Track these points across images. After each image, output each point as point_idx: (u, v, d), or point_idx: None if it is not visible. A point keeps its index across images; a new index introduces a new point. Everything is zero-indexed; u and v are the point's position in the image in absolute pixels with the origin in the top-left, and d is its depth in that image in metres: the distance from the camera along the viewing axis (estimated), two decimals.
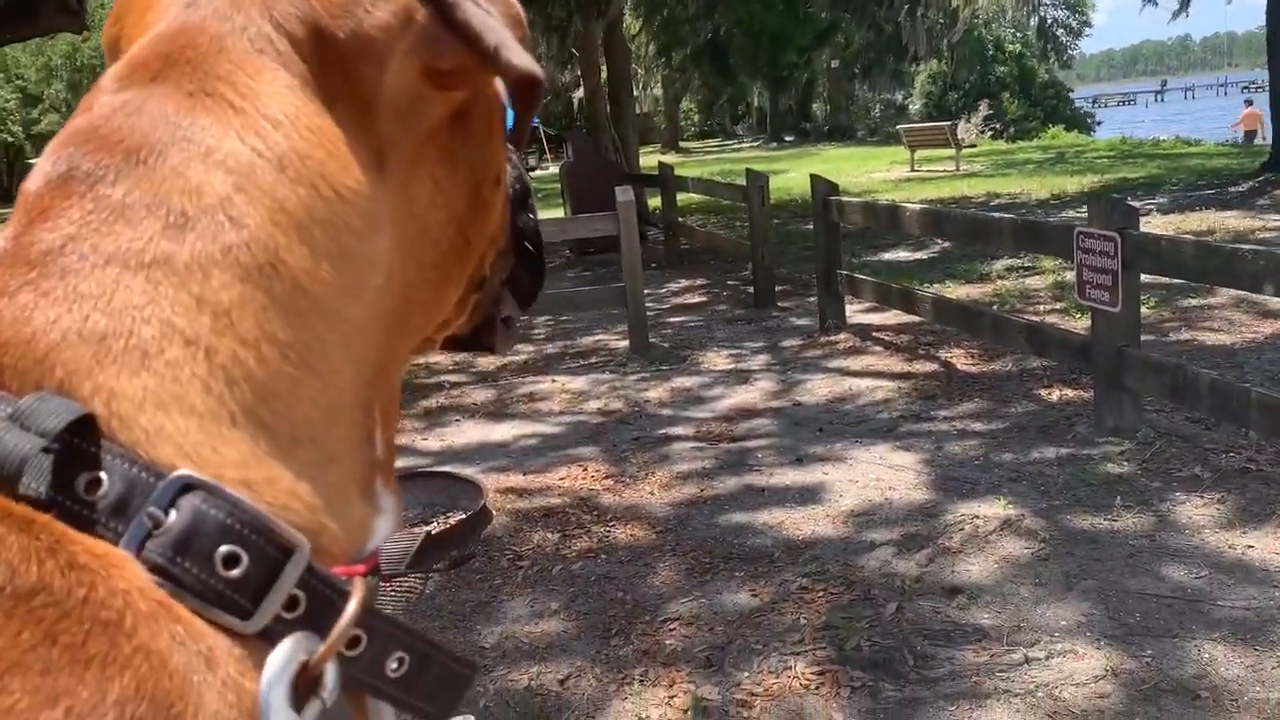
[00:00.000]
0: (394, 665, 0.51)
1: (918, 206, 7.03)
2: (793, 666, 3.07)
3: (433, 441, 5.66)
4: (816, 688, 2.96)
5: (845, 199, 7.40)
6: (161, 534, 0.44)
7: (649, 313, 7.72)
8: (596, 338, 7.91)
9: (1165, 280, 6.54)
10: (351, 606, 0.48)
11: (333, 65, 0.55)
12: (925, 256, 9.94)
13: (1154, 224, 9.88)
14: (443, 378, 7.07)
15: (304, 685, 0.46)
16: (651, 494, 4.57)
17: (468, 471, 4.81)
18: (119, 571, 0.43)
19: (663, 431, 5.46)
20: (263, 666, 0.45)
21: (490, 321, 0.73)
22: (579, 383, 6.62)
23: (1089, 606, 3.23)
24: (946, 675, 2.94)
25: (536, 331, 8.41)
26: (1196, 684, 2.78)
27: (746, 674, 3.07)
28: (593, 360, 7.21)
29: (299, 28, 0.54)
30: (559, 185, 14.51)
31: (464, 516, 4.39)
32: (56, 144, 0.53)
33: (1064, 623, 3.15)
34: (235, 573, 0.45)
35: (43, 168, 0.52)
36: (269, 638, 0.46)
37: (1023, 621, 3.17)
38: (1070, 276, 5.11)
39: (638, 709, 2.94)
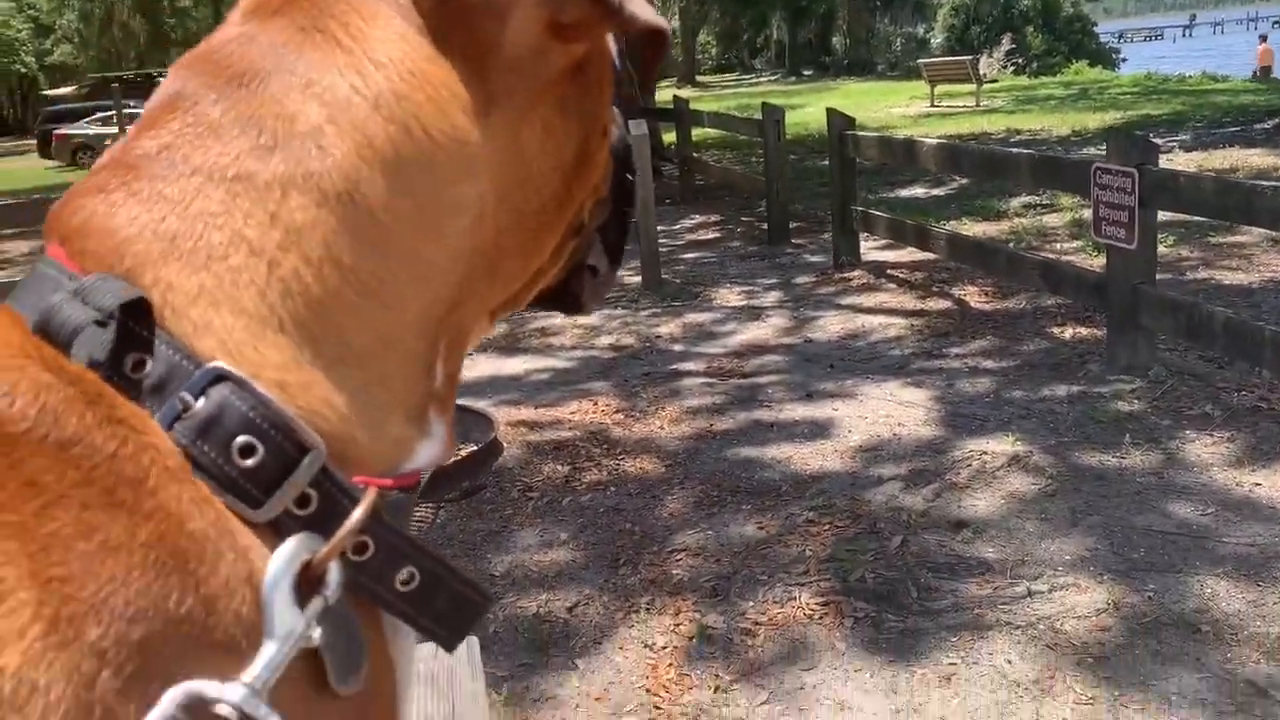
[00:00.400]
0: (403, 578, 0.52)
1: (934, 141, 6.94)
2: (797, 597, 3.11)
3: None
4: (820, 618, 3.00)
5: (862, 134, 7.31)
6: (189, 417, 0.47)
7: (662, 249, 7.69)
8: None
9: (1185, 218, 6.46)
10: (358, 512, 0.49)
11: (452, 18, 0.56)
12: (942, 193, 9.84)
13: (1176, 161, 9.73)
14: None
15: (307, 583, 0.47)
16: (661, 428, 4.60)
17: (479, 404, 4.84)
18: (149, 436, 0.46)
19: (674, 367, 5.47)
20: (267, 556, 0.47)
21: (579, 268, 0.73)
22: (591, 318, 6.61)
23: (1093, 541, 3.24)
24: (949, 607, 2.98)
25: None
26: (1197, 618, 2.81)
27: (751, 603, 3.11)
28: (606, 296, 7.19)
29: None
30: None
31: (475, 448, 4.44)
32: (176, 67, 0.57)
33: (1068, 557, 3.17)
34: (250, 462, 0.47)
35: (161, 87, 0.56)
36: (278, 531, 0.48)
37: (1027, 555, 3.20)
38: (1088, 215, 5.05)
39: (644, 636, 2.99)
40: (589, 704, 2.72)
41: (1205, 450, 3.82)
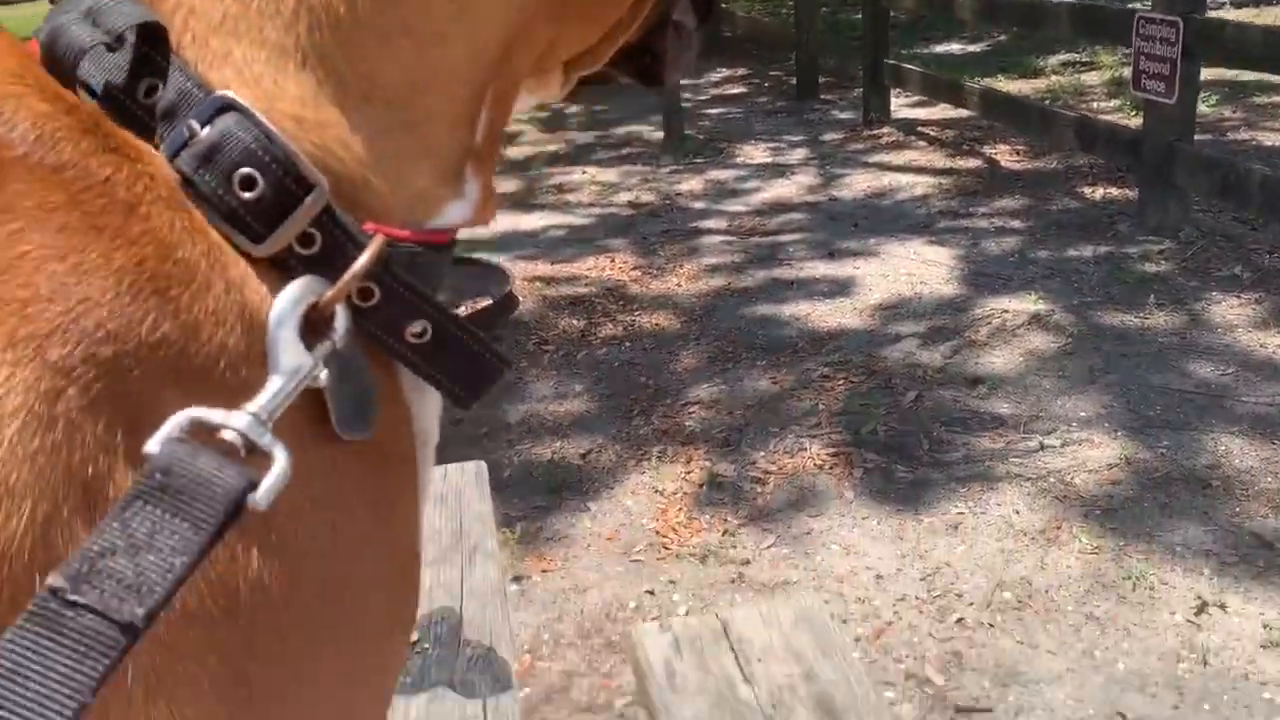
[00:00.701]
0: (416, 331, 0.51)
1: None
2: (808, 448, 3.13)
3: (462, 231, 5.64)
4: (830, 468, 3.02)
5: None
6: (194, 145, 0.45)
7: (686, 104, 7.50)
8: (630, 128, 7.72)
9: (1230, 78, 6.22)
10: (364, 257, 0.47)
11: None
12: (978, 50, 9.49)
13: (1225, 16, 9.31)
14: None
15: (314, 325, 0.46)
16: (679, 285, 4.56)
17: (496, 259, 4.82)
18: (147, 164, 0.44)
19: (694, 224, 5.39)
20: (272, 295, 0.46)
21: (664, 23, 0.67)
22: (610, 174, 6.51)
23: (1110, 399, 3.23)
24: (960, 459, 2.99)
25: (569, 121, 8.23)
26: (1209, 474, 2.80)
27: (762, 453, 3.13)
28: (625, 152, 7.06)
29: None
30: None
31: (491, 302, 4.43)
32: None
33: (1083, 414, 3.16)
34: (250, 195, 0.45)
35: None
36: (282, 269, 0.46)
37: (1041, 411, 3.19)
38: (1128, 73, 4.86)
39: (654, 482, 3.03)
40: (600, 544, 2.78)
41: (1231, 311, 3.75)
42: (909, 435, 3.14)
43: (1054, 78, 7.91)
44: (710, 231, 5.26)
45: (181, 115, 0.45)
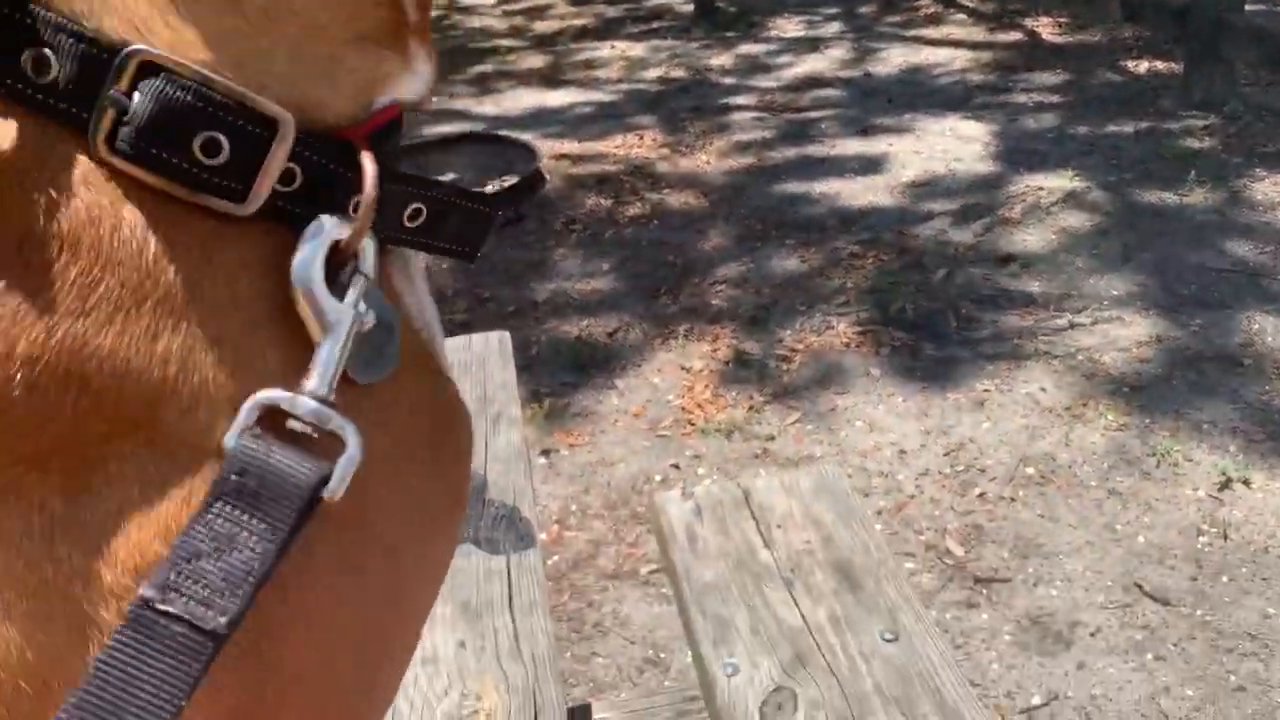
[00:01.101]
0: (410, 214, 0.48)
1: None
2: (835, 326, 3.12)
3: (487, 107, 5.56)
4: (856, 345, 3.01)
5: None
6: (130, 121, 0.39)
7: None
8: (660, 2, 7.51)
9: None
10: (368, 180, 0.43)
11: None
12: None
13: None
14: (497, 41, 6.84)
15: (336, 264, 0.43)
16: (708, 163, 4.50)
17: (521, 136, 4.75)
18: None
19: (724, 100, 5.28)
20: (272, 247, 0.42)
21: None
22: (639, 49, 6.36)
23: (1143, 278, 3.18)
24: (988, 337, 2.97)
25: None
26: (1240, 352, 2.78)
27: (789, 331, 3.13)
28: (655, 25, 6.88)
29: None
30: None
31: (517, 179, 4.40)
32: None
33: (1115, 292, 3.12)
34: (219, 159, 0.40)
35: None
36: (277, 216, 0.42)
37: (1073, 290, 3.15)
38: None
39: (681, 359, 3.04)
40: (626, 419, 2.81)
41: (1274, 189, 3.65)
42: (937, 313, 3.12)
43: None
44: (741, 108, 5.16)
45: (91, 86, 0.38)
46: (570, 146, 4.82)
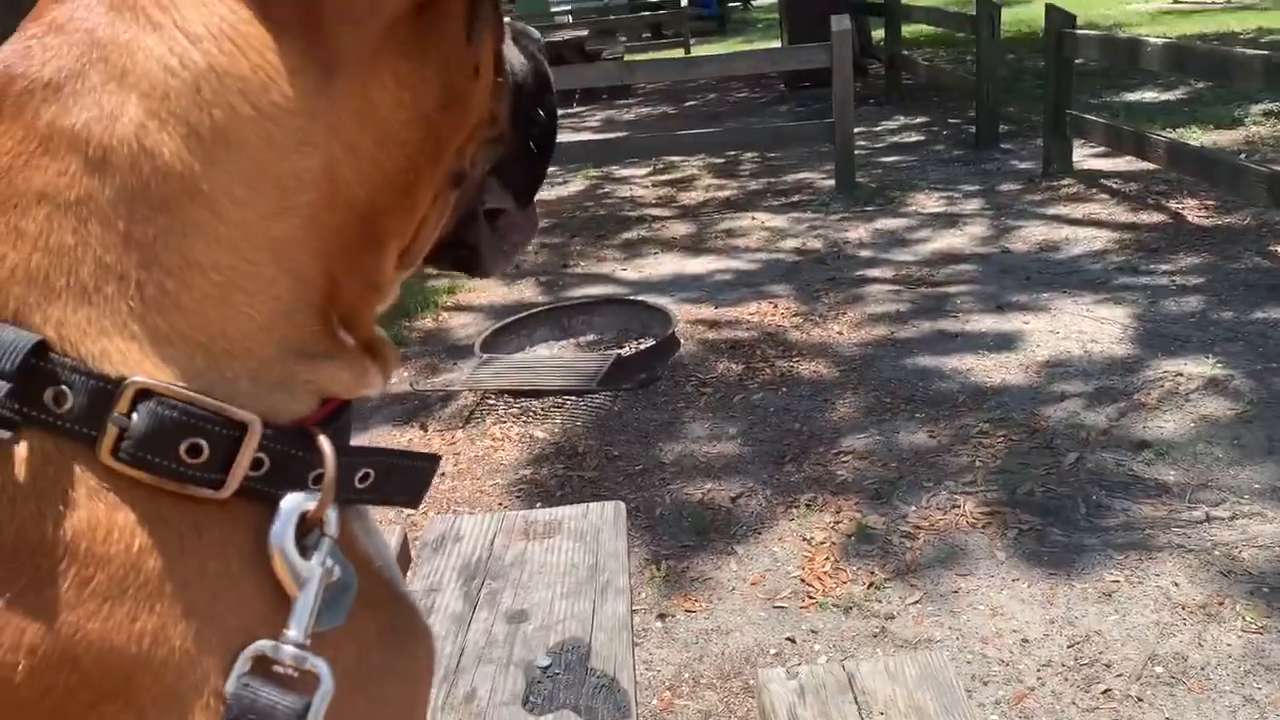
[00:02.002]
0: (360, 477, 0.60)
1: (1160, 41, 6.42)
2: (961, 505, 3.11)
3: (631, 272, 5.83)
4: (982, 527, 2.99)
5: (1083, 32, 6.84)
6: (130, 436, 0.50)
7: (860, 150, 7.51)
8: (802, 175, 7.78)
9: None
10: (329, 464, 0.56)
11: None
12: (1172, 98, 9.10)
13: None
14: (645, 210, 7.19)
15: (303, 529, 0.55)
16: (840, 333, 4.59)
17: (661, 302, 4.97)
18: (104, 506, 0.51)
19: (859, 273, 5.40)
20: (247, 521, 0.53)
21: (472, 219, 0.70)
22: (779, 220, 6.59)
23: None
24: (1119, 526, 2.91)
25: (741, 167, 8.36)
26: None
27: (914, 508, 3.13)
28: (795, 198, 7.13)
29: None
30: (778, 16, 14.02)
31: (653, 343, 4.58)
32: (4, 51, 0.55)
33: (1256, 486, 3.02)
34: (199, 459, 0.52)
35: None
36: (250, 496, 0.54)
37: (1211, 480, 3.06)
38: None
39: (803, 530, 3.07)
40: (744, 588, 2.84)
41: None
42: (1067, 498, 3.08)
43: (1253, 128, 7.51)
44: (876, 280, 5.27)
45: (100, 412, 0.50)
46: (707, 312, 5.00)
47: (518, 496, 3.47)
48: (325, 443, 0.56)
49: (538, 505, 3.36)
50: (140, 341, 0.51)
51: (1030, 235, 5.73)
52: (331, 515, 0.56)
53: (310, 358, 0.57)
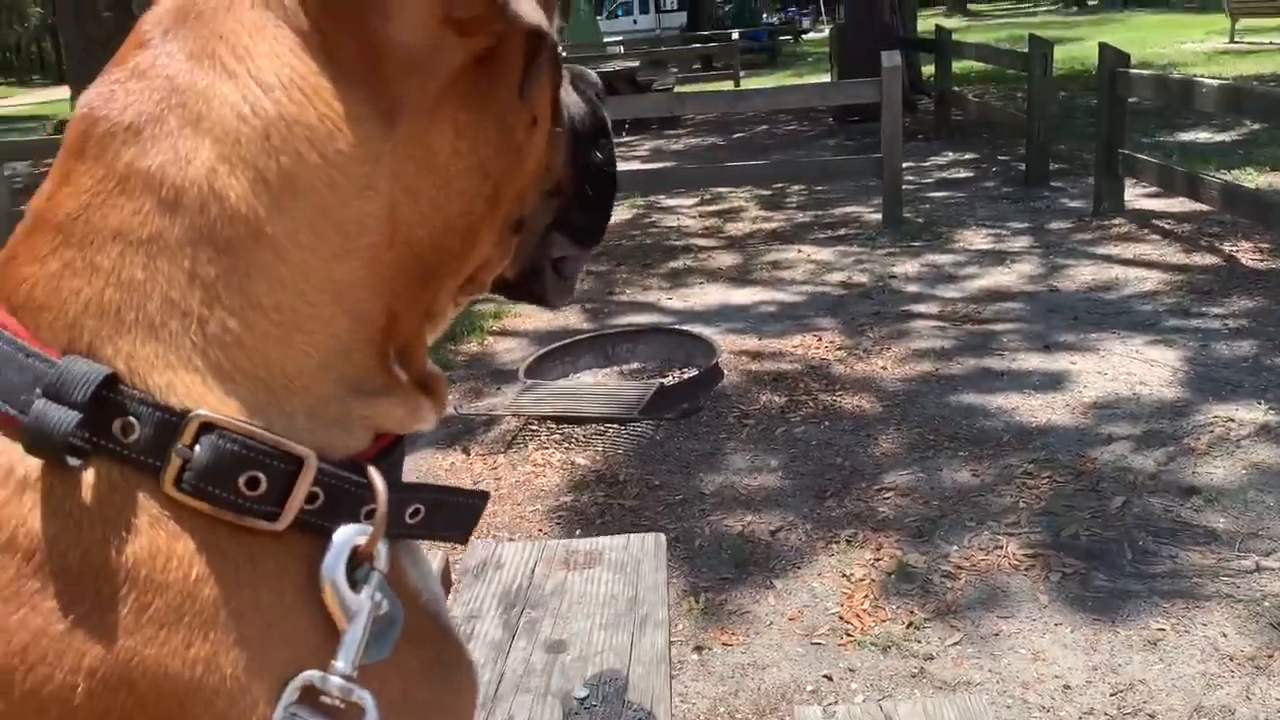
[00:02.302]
0: (411, 513, 0.62)
1: (1215, 82, 6.35)
2: (1004, 546, 3.07)
3: (676, 301, 5.85)
4: (1025, 569, 2.95)
5: (1136, 71, 6.79)
6: (193, 468, 0.52)
7: (908, 186, 7.49)
8: (849, 209, 7.78)
9: None
10: (380, 500, 0.57)
11: (339, 19, 0.55)
12: (1228, 139, 9.00)
13: None
14: (691, 240, 7.22)
15: (355, 561, 0.56)
16: (884, 368, 4.57)
17: (705, 332, 4.98)
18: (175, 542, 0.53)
19: (905, 308, 5.38)
20: (301, 553, 0.55)
21: (538, 270, 0.72)
22: (825, 253, 6.58)
23: None
24: (1166, 573, 2.86)
25: (789, 200, 8.37)
26: None
27: (955, 547, 3.10)
28: (842, 232, 7.12)
29: None
30: (829, 49, 14.06)
31: (696, 373, 4.59)
32: (90, 93, 0.58)
33: None
34: (257, 491, 0.54)
35: (78, 112, 0.58)
36: (304, 529, 0.55)
37: (1261, 529, 3.00)
38: None
39: (842, 566, 3.05)
40: (782, 622, 2.83)
41: None
42: (1113, 542, 3.03)
43: None
44: (921, 316, 5.24)
45: (166, 443, 0.52)
46: (750, 343, 5.00)
47: (558, 523, 3.48)
48: (378, 478, 0.58)
49: (577, 532, 3.37)
50: (204, 376, 0.54)
51: (1079, 274, 5.67)
52: (382, 549, 0.57)
53: (366, 394, 0.58)
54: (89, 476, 0.52)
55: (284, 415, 0.55)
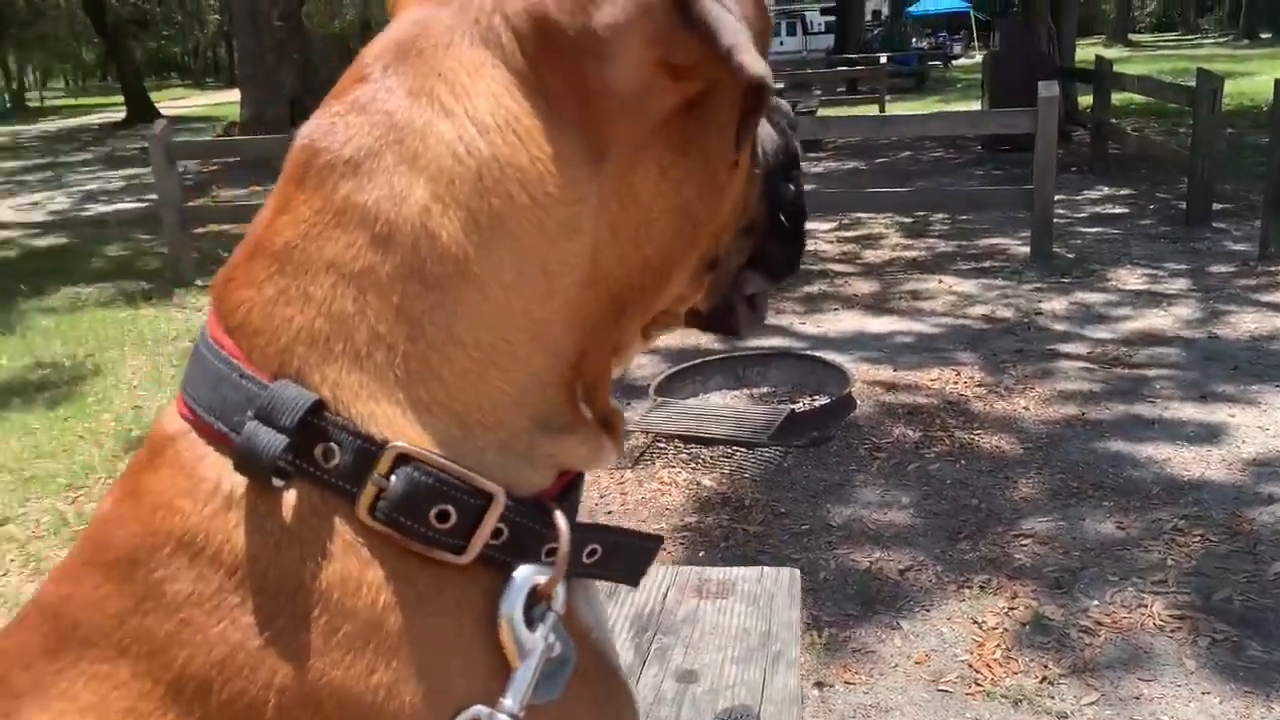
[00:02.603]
0: (589, 553, 0.62)
1: None
2: (1148, 605, 2.92)
3: (809, 327, 5.78)
4: (1171, 631, 2.80)
5: None
6: (388, 497, 0.53)
7: (1059, 219, 7.23)
8: (995, 240, 7.56)
9: None
10: (563, 539, 0.58)
11: (556, 61, 0.55)
12: None
13: None
14: (828, 265, 7.13)
15: (532, 601, 0.57)
16: (1026, 408, 4.41)
17: (839, 359, 4.90)
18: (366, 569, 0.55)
19: (1051, 347, 5.19)
20: (482, 586, 0.56)
21: (729, 305, 0.72)
22: (968, 285, 6.41)
23: None
24: None
25: (931, 228, 8.19)
26: None
27: (1096, 602, 2.95)
28: (986, 264, 6.92)
29: (525, 22, 0.55)
30: (980, 76, 13.73)
31: (828, 400, 4.51)
32: (311, 124, 0.59)
33: None
34: (447, 525, 0.55)
35: (299, 142, 0.59)
36: (486, 563, 0.56)
37: None
38: None
39: (973, 612, 2.95)
40: (908, 665, 2.74)
41: None
42: (1270, 610, 2.84)
43: None
44: (1068, 356, 5.04)
45: (364, 471, 0.53)
46: (885, 374, 4.90)
47: (681, 543, 3.47)
48: (561, 518, 0.58)
49: (700, 554, 3.35)
50: (403, 408, 0.55)
51: (1241, 322, 5.37)
52: (560, 589, 0.58)
53: (553, 431, 0.59)
54: (290, 498, 0.54)
55: (476, 450, 0.56)
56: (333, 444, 0.54)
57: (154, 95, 28.21)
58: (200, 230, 8.31)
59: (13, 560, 3.58)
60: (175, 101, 33.57)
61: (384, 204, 0.55)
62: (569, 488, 0.62)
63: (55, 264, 8.78)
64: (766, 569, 1.67)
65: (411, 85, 0.57)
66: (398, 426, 0.55)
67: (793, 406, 4.43)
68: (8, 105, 36.77)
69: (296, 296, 0.56)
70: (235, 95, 19.40)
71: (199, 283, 7.41)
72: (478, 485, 0.55)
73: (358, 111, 0.57)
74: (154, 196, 8.76)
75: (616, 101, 0.56)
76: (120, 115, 26.36)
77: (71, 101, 44.15)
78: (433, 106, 0.56)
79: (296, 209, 0.57)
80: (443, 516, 0.54)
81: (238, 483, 0.54)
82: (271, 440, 0.53)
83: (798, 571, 1.67)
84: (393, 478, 0.54)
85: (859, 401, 4.50)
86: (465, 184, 0.55)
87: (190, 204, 8.60)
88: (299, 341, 0.55)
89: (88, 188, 14.15)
